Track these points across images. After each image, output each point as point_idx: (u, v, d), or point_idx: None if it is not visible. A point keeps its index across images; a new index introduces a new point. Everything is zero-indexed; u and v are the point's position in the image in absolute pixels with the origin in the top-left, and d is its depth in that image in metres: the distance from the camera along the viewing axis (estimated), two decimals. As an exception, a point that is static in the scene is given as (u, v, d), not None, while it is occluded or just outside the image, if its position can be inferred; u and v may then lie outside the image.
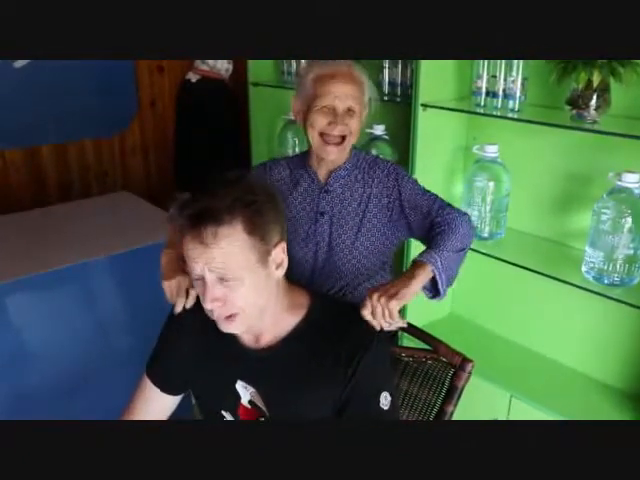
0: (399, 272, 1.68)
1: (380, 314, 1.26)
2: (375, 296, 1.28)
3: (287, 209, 1.69)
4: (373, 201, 1.66)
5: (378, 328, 1.25)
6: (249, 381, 1.24)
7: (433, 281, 1.41)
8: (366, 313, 1.26)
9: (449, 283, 1.45)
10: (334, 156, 1.63)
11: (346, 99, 1.56)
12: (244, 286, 1.12)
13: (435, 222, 1.54)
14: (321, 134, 1.60)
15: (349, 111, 1.58)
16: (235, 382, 1.25)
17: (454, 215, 1.54)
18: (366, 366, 1.17)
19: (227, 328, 1.18)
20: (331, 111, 1.58)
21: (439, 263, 1.39)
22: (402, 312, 2.26)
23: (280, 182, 1.74)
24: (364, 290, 1.55)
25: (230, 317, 1.15)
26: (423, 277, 1.37)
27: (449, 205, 1.59)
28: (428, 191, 1.64)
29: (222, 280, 1.10)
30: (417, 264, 1.39)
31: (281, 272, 1.19)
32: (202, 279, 1.11)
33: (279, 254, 1.17)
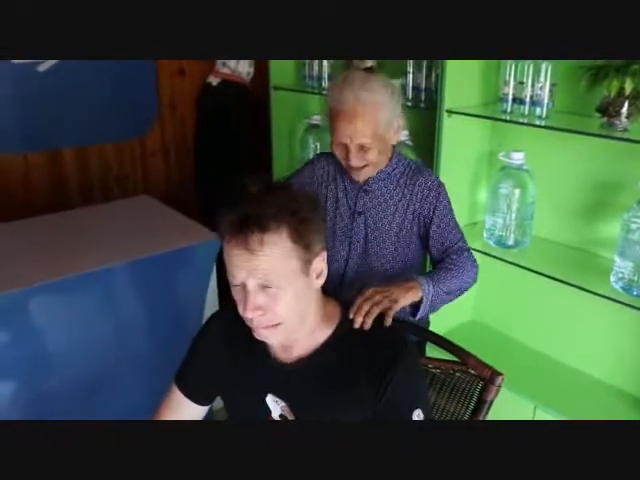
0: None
1: (365, 310, 1.25)
2: (371, 292, 1.33)
3: (327, 202, 1.74)
4: (411, 208, 1.68)
5: (357, 324, 1.23)
6: (280, 395, 1.22)
7: (415, 304, 1.50)
8: (357, 303, 1.27)
9: (427, 313, 1.56)
10: (362, 178, 1.70)
11: (355, 138, 1.58)
12: (286, 295, 1.10)
13: (448, 258, 1.61)
14: (344, 160, 1.65)
15: (362, 147, 1.59)
16: (265, 396, 1.23)
17: (468, 263, 1.61)
18: (399, 381, 1.14)
19: (265, 337, 1.16)
20: (344, 147, 1.61)
21: (430, 297, 1.49)
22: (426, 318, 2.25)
23: (323, 173, 1.79)
24: None
25: (271, 327, 1.14)
26: (414, 296, 1.46)
27: (468, 250, 1.66)
28: (457, 225, 1.69)
29: (264, 288, 1.09)
30: (414, 283, 1.47)
31: (321, 281, 1.17)
32: (243, 286, 1.10)
33: (320, 263, 1.15)
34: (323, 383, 1.19)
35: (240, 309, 1.13)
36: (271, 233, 1.06)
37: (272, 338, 1.17)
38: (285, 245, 1.08)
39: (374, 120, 1.56)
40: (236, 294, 1.13)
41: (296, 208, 1.10)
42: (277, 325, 1.13)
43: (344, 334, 1.21)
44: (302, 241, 1.09)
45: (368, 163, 1.63)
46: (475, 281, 1.65)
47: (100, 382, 2.27)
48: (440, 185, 1.69)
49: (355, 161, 1.61)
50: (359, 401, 1.16)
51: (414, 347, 1.24)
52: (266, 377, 1.24)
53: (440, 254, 1.65)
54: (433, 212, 1.66)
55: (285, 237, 1.08)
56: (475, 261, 1.65)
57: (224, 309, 1.34)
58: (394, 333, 1.24)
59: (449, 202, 1.70)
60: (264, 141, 3.14)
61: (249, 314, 1.11)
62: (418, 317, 1.52)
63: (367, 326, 1.23)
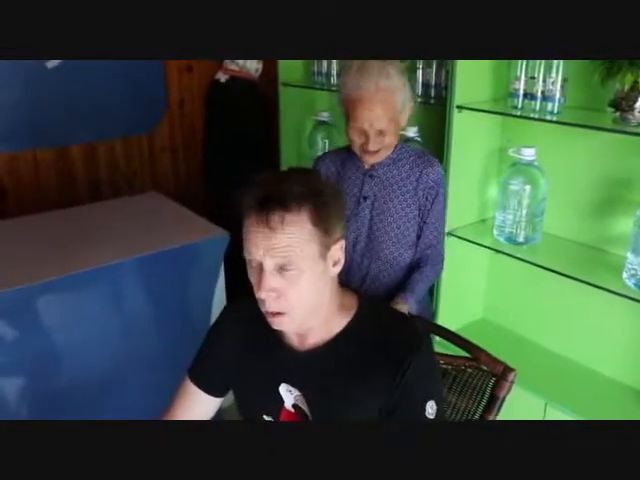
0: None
1: None
2: None
3: None
4: (416, 195, 1.77)
5: None
6: (294, 384, 1.21)
7: None
8: None
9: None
10: (373, 161, 1.77)
11: (375, 123, 1.66)
12: (302, 279, 1.09)
13: (422, 246, 1.81)
14: (360, 145, 1.72)
15: (380, 132, 1.67)
16: (279, 385, 1.22)
17: (434, 270, 1.83)
18: (415, 371, 1.13)
19: (277, 324, 1.15)
20: (363, 133, 1.68)
21: (413, 307, 1.70)
22: (434, 316, 2.24)
23: (329, 174, 1.86)
24: (396, 275, 1.80)
25: (279, 314, 1.12)
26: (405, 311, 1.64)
27: (438, 254, 1.84)
28: (443, 225, 1.84)
29: (281, 269, 1.08)
30: (401, 302, 1.68)
31: (337, 269, 1.17)
32: (260, 266, 1.09)
33: (337, 251, 1.15)
34: (338, 372, 1.18)
35: (255, 289, 1.11)
36: (293, 213, 1.06)
37: (283, 325, 1.15)
38: (305, 227, 1.07)
39: (392, 105, 1.65)
40: (252, 275, 1.12)
41: (319, 190, 1.10)
42: (289, 313, 1.12)
43: (360, 325, 1.20)
44: (322, 225, 1.09)
45: (382, 147, 1.71)
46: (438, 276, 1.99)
47: (108, 379, 2.26)
48: (442, 181, 1.80)
49: (373, 145, 1.69)
50: (374, 390, 1.15)
51: (429, 338, 1.23)
52: (280, 366, 1.23)
53: (420, 249, 1.81)
54: (431, 205, 1.77)
55: (306, 219, 1.07)
56: (442, 260, 1.86)
57: (238, 300, 1.33)
58: (410, 324, 1.22)
59: (446, 200, 1.84)
60: (272, 137, 3.13)
61: (263, 294, 1.10)
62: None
63: None
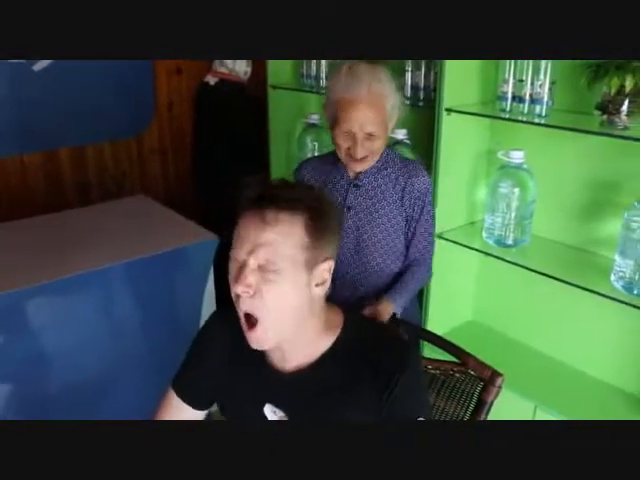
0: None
1: None
2: None
3: None
4: (403, 205, 1.74)
5: None
6: (278, 405, 1.19)
7: None
8: None
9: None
10: (359, 169, 1.74)
11: (365, 126, 1.62)
12: (281, 282, 1.07)
13: (412, 256, 1.79)
14: (346, 150, 1.69)
15: (370, 136, 1.64)
16: (263, 405, 1.20)
17: (425, 275, 1.82)
18: (403, 388, 1.11)
19: (253, 340, 1.12)
20: (352, 136, 1.64)
21: (400, 309, 1.67)
22: (423, 318, 2.24)
23: (310, 179, 1.83)
24: (385, 285, 1.76)
25: (253, 323, 1.10)
26: (388, 315, 1.61)
27: (429, 263, 1.83)
28: (432, 233, 1.83)
29: (263, 269, 1.06)
30: (385, 303, 1.63)
31: (321, 291, 1.14)
32: (242, 263, 1.07)
33: (324, 271, 1.12)
34: (324, 393, 1.16)
35: (232, 285, 1.09)
36: (287, 213, 1.06)
37: (257, 338, 1.11)
38: (297, 232, 1.07)
39: (383, 109, 1.64)
40: (231, 271, 1.10)
41: (318, 200, 1.11)
42: (263, 320, 1.09)
43: (346, 344, 1.18)
44: (315, 234, 1.08)
45: (369, 154, 1.68)
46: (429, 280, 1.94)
47: (97, 383, 2.26)
48: (430, 190, 1.78)
49: (361, 151, 1.65)
50: (361, 410, 1.13)
51: (418, 353, 1.22)
52: (265, 386, 1.21)
53: (408, 258, 1.80)
54: (419, 216, 1.75)
55: (300, 223, 1.07)
56: (430, 269, 1.85)
57: (224, 309, 1.28)
58: (398, 340, 1.21)
59: (434, 209, 1.81)
60: (262, 140, 3.12)
61: (239, 288, 1.07)
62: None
63: None
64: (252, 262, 1.06)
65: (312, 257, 1.09)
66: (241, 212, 1.09)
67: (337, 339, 1.18)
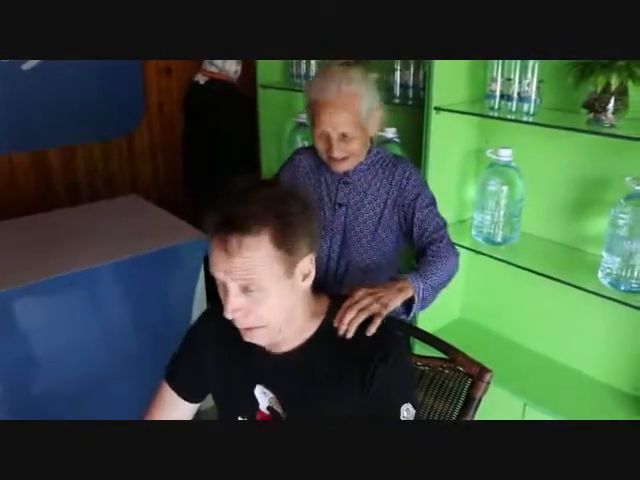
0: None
1: (350, 317, 1.22)
2: (361, 293, 1.30)
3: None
4: (391, 199, 1.72)
5: (342, 331, 1.20)
6: (268, 386, 1.22)
7: (407, 302, 1.49)
8: (343, 307, 1.24)
9: (418, 310, 1.54)
10: (343, 169, 1.72)
11: (337, 127, 1.61)
12: (269, 299, 1.09)
13: (429, 249, 1.63)
14: (325, 151, 1.68)
15: (344, 136, 1.62)
16: (254, 387, 1.23)
17: (450, 252, 1.63)
18: (388, 373, 1.13)
19: (251, 338, 1.15)
20: (326, 138, 1.64)
21: (421, 293, 1.50)
22: (413, 316, 2.25)
23: (306, 170, 1.82)
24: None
25: (253, 329, 1.13)
26: (405, 296, 1.45)
27: (448, 238, 1.68)
28: (438, 213, 1.72)
29: (245, 290, 1.07)
30: (403, 282, 1.47)
31: (308, 283, 1.15)
32: (224, 285, 1.09)
33: (307, 265, 1.13)
34: (311, 375, 1.18)
35: (224, 309, 1.11)
36: (251, 236, 1.04)
37: (255, 340, 1.16)
38: (266, 250, 1.05)
39: (356, 109, 1.60)
40: (220, 292, 1.12)
41: (282, 210, 1.07)
42: (261, 327, 1.12)
43: (331, 327, 1.20)
44: (285, 245, 1.07)
45: (349, 155, 1.66)
46: (457, 269, 1.67)
47: (88, 383, 2.25)
48: (416, 172, 1.74)
49: (337, 152, 1.64)
50: (347, 393, 1.15)
51: (403, 340, 1.24)
52: (255, 368, 1.23)
53: (422, 242, 1.67)
54: (414, 200, 1.69)
55: (267, 241, 1.05)
56: (455, 249, 1.68)
57: (216, 304, 1.29)
58: (383, 326, 1.23)
59: (429, 190, 1.74)
60: (252, 139, 3.12)
61: (229, 315, 1.10)
62: (411, 315, 1.54)
63: (350, 334, 1.19)
64: (232, 286, 1.07)
65: (289, 264, 1.09)
66: (208, 232, 1.09)
67: (322, 323, 1.21)
